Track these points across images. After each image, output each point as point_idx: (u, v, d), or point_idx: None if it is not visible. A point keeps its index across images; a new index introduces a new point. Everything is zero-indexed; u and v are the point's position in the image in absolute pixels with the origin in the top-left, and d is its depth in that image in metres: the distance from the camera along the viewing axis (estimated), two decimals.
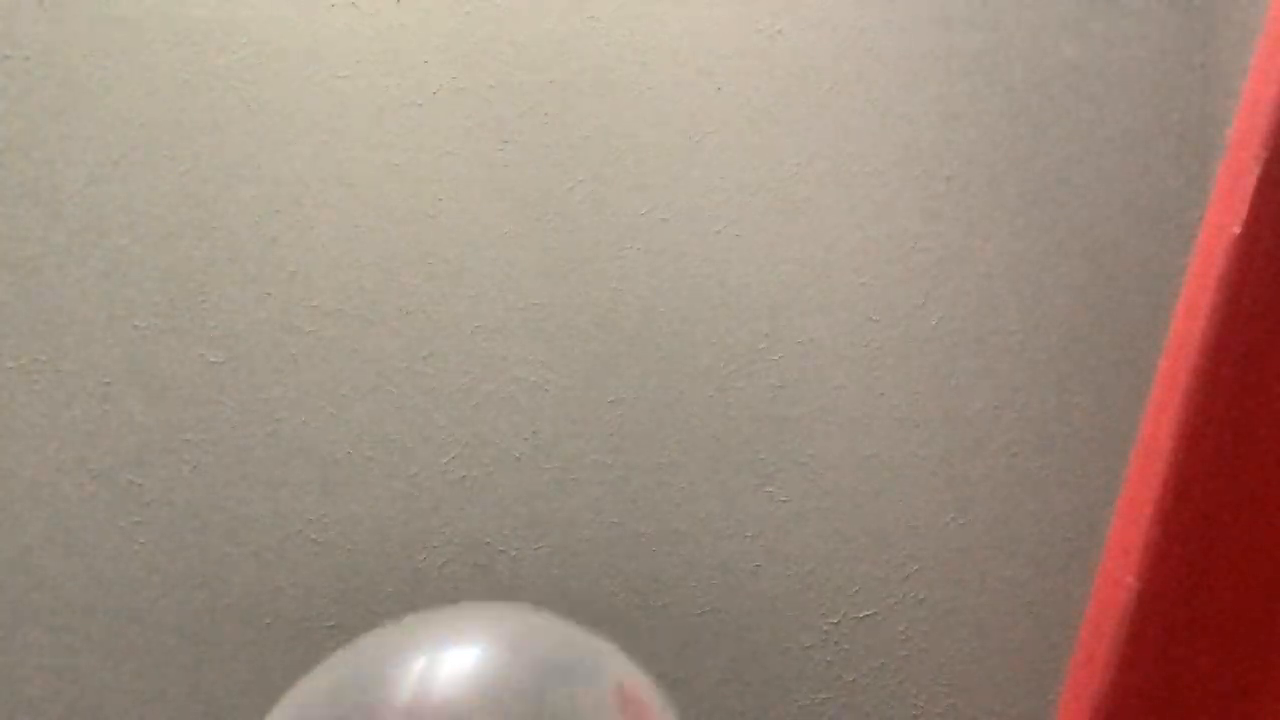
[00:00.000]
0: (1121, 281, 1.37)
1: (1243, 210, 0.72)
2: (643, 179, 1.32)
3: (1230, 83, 1.33)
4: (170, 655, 1.28)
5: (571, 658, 1.02)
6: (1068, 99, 1.36)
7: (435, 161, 1.30)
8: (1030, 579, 1.37)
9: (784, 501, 1.34)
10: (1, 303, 1.25)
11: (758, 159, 1.33)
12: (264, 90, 1.28)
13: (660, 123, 1.32)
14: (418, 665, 0.99)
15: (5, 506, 1.25)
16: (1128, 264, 1.37)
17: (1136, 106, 1.37)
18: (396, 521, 1.29)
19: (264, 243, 1.28)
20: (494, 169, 1.30)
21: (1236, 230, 0.72)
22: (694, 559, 1.33)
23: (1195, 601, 0.77)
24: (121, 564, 1.27)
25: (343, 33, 1.28)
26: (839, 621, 1.35)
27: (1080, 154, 1.37)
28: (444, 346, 1.30)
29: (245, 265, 1.28)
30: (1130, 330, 1.37)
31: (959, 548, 1.36)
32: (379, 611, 1.28)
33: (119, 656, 1.27)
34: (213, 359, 1.27)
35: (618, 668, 1.03)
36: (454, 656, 1.00)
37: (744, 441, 1.34)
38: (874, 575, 1.36)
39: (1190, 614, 0.77)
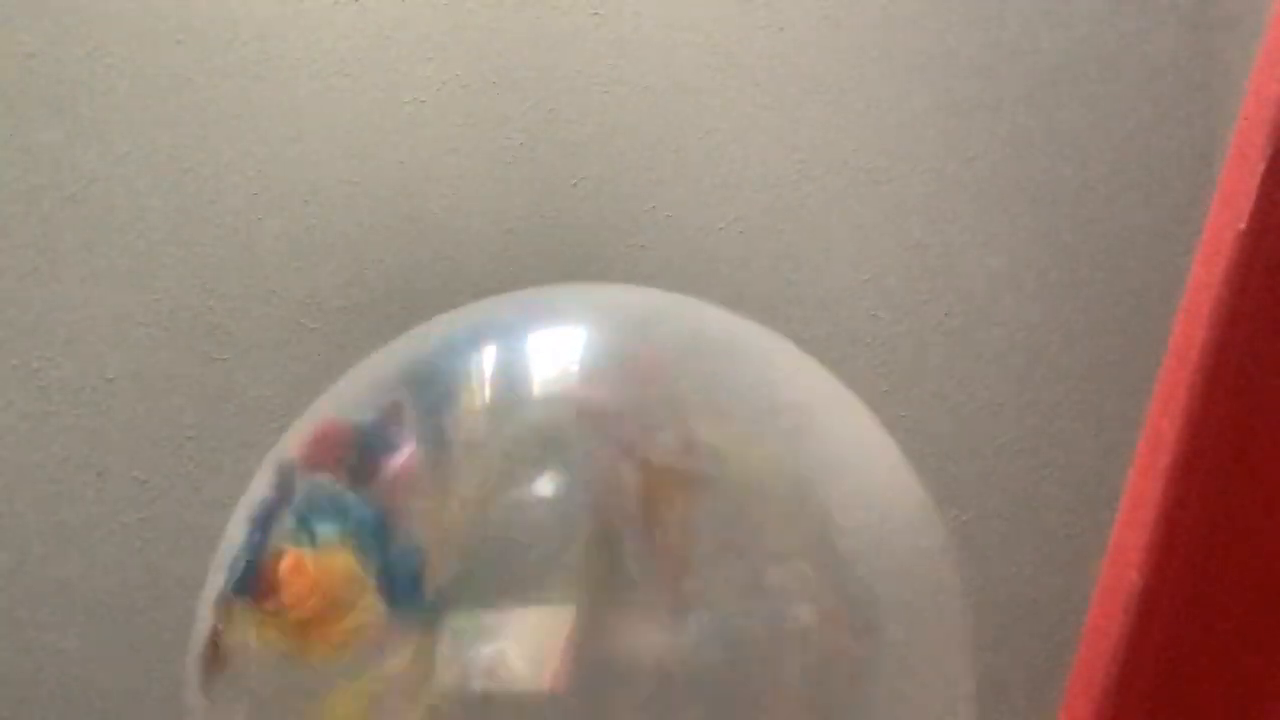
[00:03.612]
0: (1126, 278, 1.37)
1: (1247, 207, 0.72)
2: (646, 176, 1.32)
3: (1235, 79, 1.32)
4: (174, 654, 1.28)
5: None
6: (1072, 96, 1.36)
7: (439, 158, 1.30)
8: (1034, 575, 1.37)
9: None
10: (4, 301, 1.25)
11: (761, 155, 1.33)
12: (266, 87, 1.28)
13: (663, 119, 1.32)
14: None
15: (8, 504, 1.25)
16: (1132, 261, 1.37)
17: (1141, 102, 1.37)
18: None
19: (268, 240, 1.28)
20: (498, 166, 1.30)
21: (1241, 227, 0.72)
22: None
23: (1199, 598, 0.77)
24: (125, 561, 1.27)
25: (345, 30, 1.28)
26: None
27: (1084, 150, 1.36)
28: None
29: (249, 263, 1.28)
30: (1134, 326, 1.37)
31: (962, 545, 1.36)
32: None
33: (123, 655, 1.27)
34: (217, 356, 1.27)
35: None
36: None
37: None
38: None
39: (1194, 610, 0.77)
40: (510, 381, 0.83)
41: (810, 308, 1.34)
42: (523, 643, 0.71)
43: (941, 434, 1.36)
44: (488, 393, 0.82)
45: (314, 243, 1.29)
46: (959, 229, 1.36)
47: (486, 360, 0.85)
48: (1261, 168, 0.72)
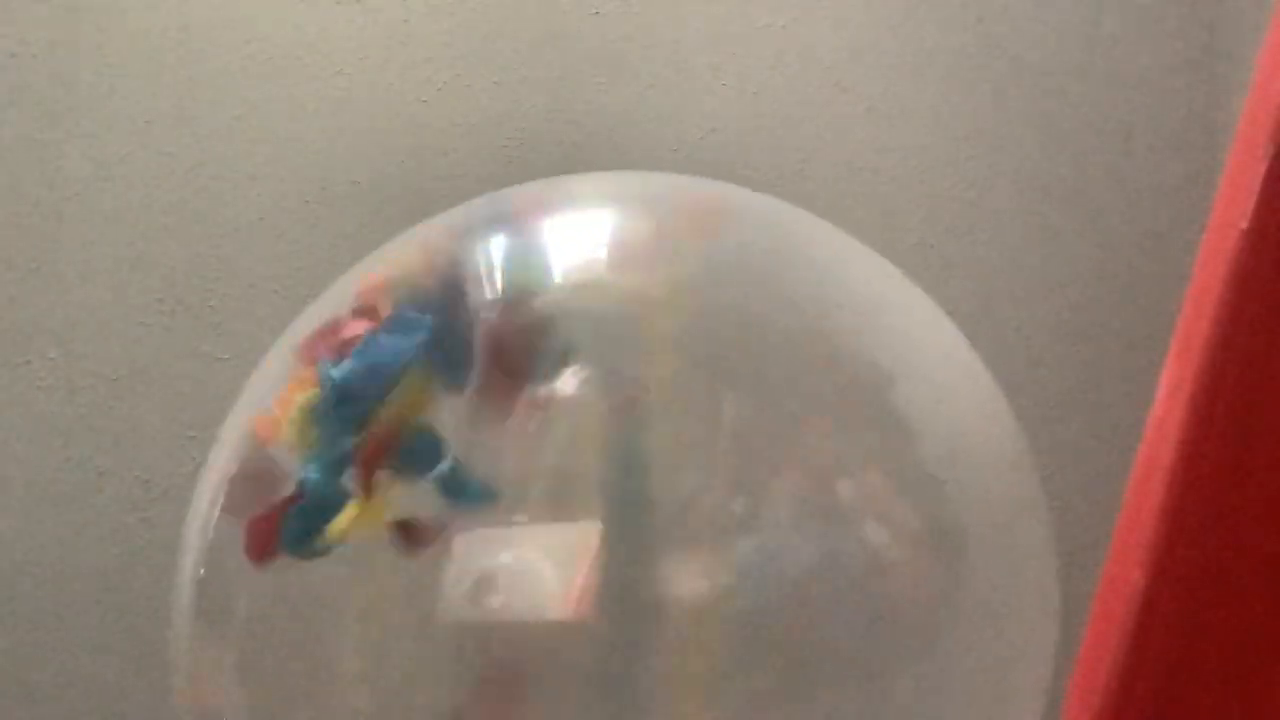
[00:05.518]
0: (1127, 277, 1.37)
1: (1249, 205, 0.72)
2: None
3: (1237, 75, 1.32)
4: None
5: None
6: (1073, 94, 1.36)
7: (440, 158, 1.30)
8: None
9: None
10: (8, 301, 1.25)
11: (762, 154, 1.33)
12: (267, 87, 1.28)
13: (665, 118, 1.32)
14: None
15: (12, 503, 1.25)
16: (1133, 260, 1.37)
17: (1142, 100, 1.37)
18: None
19: (269, 239, 1.28)
20: (499, 165, 1.30)
21: (1243, 225, 0.72)
22: None
23: (1202, 598, 0.76)
24: (128, 560, 1.27)
25: (346, 29, 1.28)
26: None
27: (1086, 149, 1.36)
28: None
29: (250, 263, 1.28)
30: (1135, 326, 1.37)
31: None
32: None
33: (126, 654, 1.27)
34: (219, 355, 1.27)
35: None
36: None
37: None
38: None
39: (1197, 610, 0.77)
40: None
41: None
42: (550, 561, 0.58)
43: None
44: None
45: (315, 243, 1.29)
46: (959, 229, 1.36)
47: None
48: (1264, 166, 0.71)
